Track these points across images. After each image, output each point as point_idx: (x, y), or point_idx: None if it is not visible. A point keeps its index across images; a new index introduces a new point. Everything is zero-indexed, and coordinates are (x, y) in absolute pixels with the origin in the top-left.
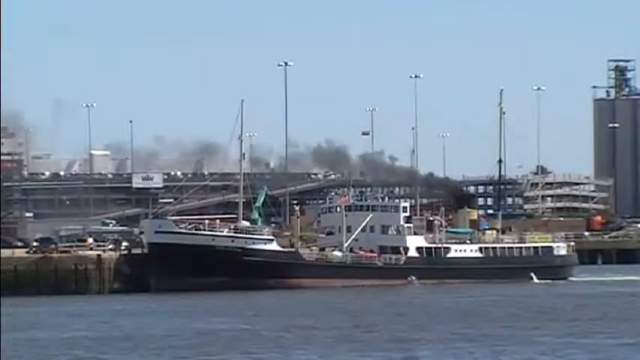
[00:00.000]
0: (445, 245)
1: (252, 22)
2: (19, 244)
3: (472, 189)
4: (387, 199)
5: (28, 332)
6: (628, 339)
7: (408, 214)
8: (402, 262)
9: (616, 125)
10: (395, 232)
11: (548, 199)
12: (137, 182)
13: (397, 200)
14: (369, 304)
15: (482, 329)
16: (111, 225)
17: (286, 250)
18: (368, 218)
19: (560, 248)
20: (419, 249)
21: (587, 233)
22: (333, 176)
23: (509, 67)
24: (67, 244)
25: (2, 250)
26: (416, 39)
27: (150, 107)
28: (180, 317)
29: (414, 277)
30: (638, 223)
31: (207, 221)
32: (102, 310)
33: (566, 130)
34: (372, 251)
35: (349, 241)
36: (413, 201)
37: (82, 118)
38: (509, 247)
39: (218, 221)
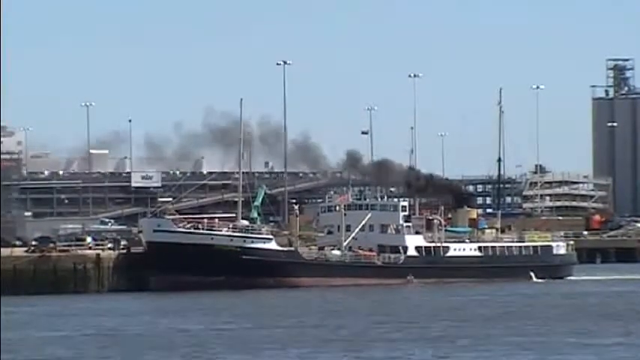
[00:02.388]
0: (444, 244)
1: (252, 21)
2: (18, 243)
3: (471, 188)
4: (386, 198)
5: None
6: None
7: (407, 213)
8: (401, 261)
9: (615, 124)
10: (394, 232)
11: (547, 198)
12: (136, 181)
13: (396, 199)
14: (355, 303)
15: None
16: (110, 224)
17: (285, 249)
18: (367, 217)
19: (560, 247)
20: (418, 248)
21: (585, 232)
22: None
23: (507, 66)
24: (66, 243)
25: (1, 249)
26: (415, 38)
27: (150, 107)
28: (163, 316)
29: (412, 277)
30: (637, 222)
31: (205, 220)
32: (83, 309)
33: (564, 129)
34: (371, 250)
35: (348, 240)
36: (412, 200)
37: (82, 118)
38: (508, 247)
39: (217, 220)
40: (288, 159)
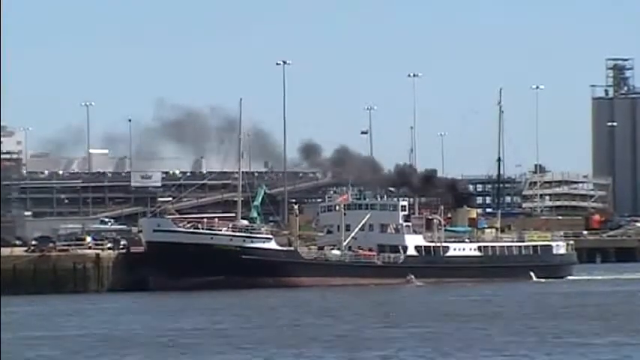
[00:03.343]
0: (444, 244)
1: (252, 21)
2: (18, 242)
3: (471, 188)
4: (385, 197)
5: None
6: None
7: (406, 212)
8: (400, 261)
9: (614, 124)
10: (394, 231)
11: (547, 197)
12: (136, 181)
13: (396, 199)
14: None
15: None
16: (109, 224)
17: (285, 248)
18: (367, 217)
19: (560, 247)
20: (418, 248)
21: (585, 232)
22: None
23: (507, 66)
24: (66, 243)
25: (1, 249)
26: (414, 37)
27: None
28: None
29: (412, 276)
30: (636, 221)
31: (205, 220)
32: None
33: (564, 129)
34: (370, 250)
35: (348, 240)
36: (412, 200)
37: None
38: (508, 246)
39: (217, 220)
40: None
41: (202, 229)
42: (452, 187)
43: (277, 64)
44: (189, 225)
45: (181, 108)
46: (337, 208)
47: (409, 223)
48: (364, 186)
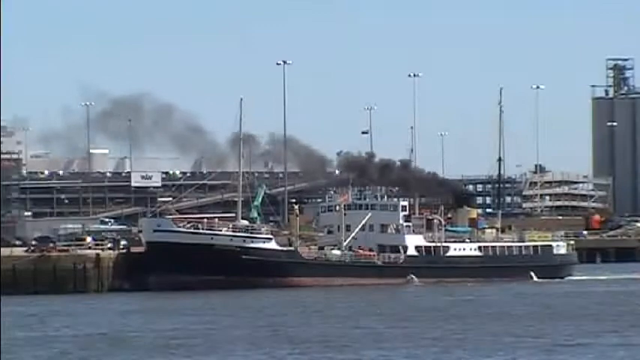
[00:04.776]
0: (444, 244)
1: (252, 21)
2: (18, 242)
3: (471, 187)
4: (385, 197)
5: None
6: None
7: (407, 212)
8: (401, 261)
9: (614, 124)
10: (394, 231)
11: (547, 197)
12: (136, 181)
13: (396, 199)
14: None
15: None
16: (109, 224)
17: (285, 249)
18: (367, 217)
19: (560, 247)
20: (418, 248)
21: (585, 232)
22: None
23: (507, 66)
24: (66, 243)
25: (1, 249)
26: (414, 37)
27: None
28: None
29: (413, 276)
30: (636, 221)
31: (205, 220)
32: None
33: (564, 129)
34: (371, 250)
35: (348, 240)
36: (412, 200)
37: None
38: (508, 246)
39: (217, 220)
40: (176, 143)
41: (202, 229)
42: (421, 180)
43: (277, 64)
44: (189, 225)
45: (105, 95)
46: (337, 208)
47: (409, 223)
48: (310, 180)
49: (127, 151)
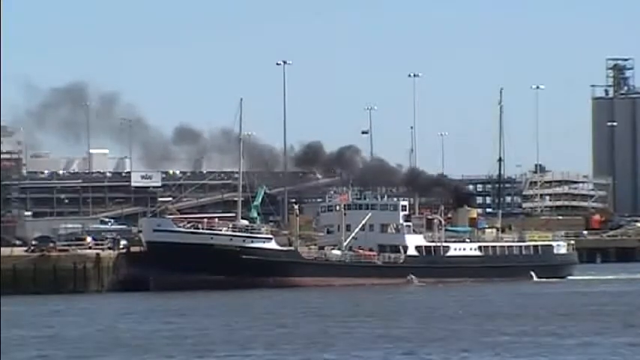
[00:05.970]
0: (444, 244)
1: (252, 20)
2: (18, 242)
3: (471, 187)
4: (386, 197)
5: None
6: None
7: (407, 212)
8: (401, 261)
9: (614, 124)
10: (394, 231)
11: (547, 197)
12: (136, 181)
13: (396, 199)
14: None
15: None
16: (110, 224)
17: (285, 248)
18: (367, 217)
19: (560, 247)
20: (418, 248)
21: (585, 232)
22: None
23: (507, 66)
24: (66, 243)
25: (1, 249)
26: (414, 37)
27: (149, 106)
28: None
29: (413, 276)
30: (636, 221)
31: (205, 220)
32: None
33: (564, 129)
34: (371, 250)
35: (348, 240)
36: (412, 200)
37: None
38: (508, 246)
39: (217, 220)
40: (117, 137)
41: (202, 229)
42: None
43: (277, 64)
44: (189, 225)
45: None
46: (337, 208)
47: (409, 223)
48: (263, 180)
49: (66, 145)
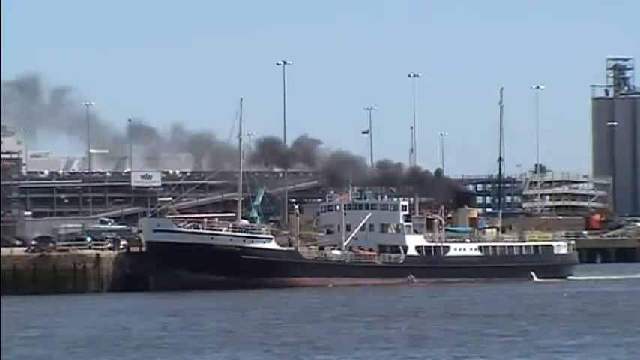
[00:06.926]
0: (445, 244)
1: (252, 20)
2: (18, 242)
3: (471, 187)
4: (386, 197)
5: None
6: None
7: (407, 212)
8: (401, 261)
9: (614, 124)
10: (394, 231)
11: (547, 197)
12: (136, 181)
13: (396, 199)
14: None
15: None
16: (110, 224)
17: (285, 248)
18: (367, 217)
19: (561, 247)
20: (418, 248)
21: (585, 232)
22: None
23: (507, 66)
24: (66, 243)
25: (1, 249)
26: (414, 37)
27: (149, 106)
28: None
29: (413, 276)
30: (636, 221)
31: (205, 220)
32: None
33: (564, 129)
34: (371, 250)
35: (348, 240)
36: (412, 199)
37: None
38: (509, 246)
39: (217, 220)
40: (71, 134)
41: (202, 229)
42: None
43: (277, 64)
44: (189, 225)
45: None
46: (337, 208)
47: (410, 223)
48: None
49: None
